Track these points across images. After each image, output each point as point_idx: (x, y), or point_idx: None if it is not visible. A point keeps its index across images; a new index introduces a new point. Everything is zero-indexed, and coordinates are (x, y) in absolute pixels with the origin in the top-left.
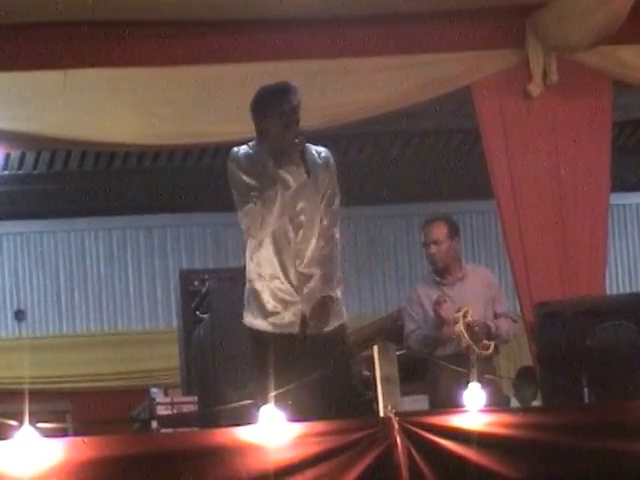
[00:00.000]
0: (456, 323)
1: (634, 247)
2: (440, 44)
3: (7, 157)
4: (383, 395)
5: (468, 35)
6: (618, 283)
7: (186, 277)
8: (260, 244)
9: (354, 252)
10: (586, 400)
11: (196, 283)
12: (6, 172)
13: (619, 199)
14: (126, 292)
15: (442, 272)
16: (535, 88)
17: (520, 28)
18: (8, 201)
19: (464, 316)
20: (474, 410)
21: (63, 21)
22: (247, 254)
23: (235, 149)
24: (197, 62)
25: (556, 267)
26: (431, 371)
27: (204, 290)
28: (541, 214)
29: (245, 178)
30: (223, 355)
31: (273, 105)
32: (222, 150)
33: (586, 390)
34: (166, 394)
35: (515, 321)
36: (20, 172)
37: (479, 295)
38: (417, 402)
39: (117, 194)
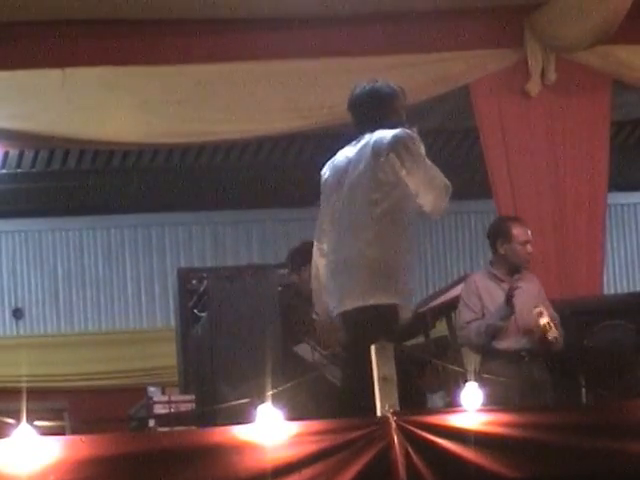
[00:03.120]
0: (539, 317)
1: (632, 247)
2: (439, 43)
3: (5, 155)
4: (380, 394)
5: (467, 34)
6: (616, 283)
7: (184, 276)
8: None
9: None
10: (584, 400)
11: (194, 282)
12: (4, 170)
13: (617, 199)
14: (124, 290)
15: (523, 269)
16: (534, 87)
17: (519, 28)
18: (6, 199)
19: (542, 315)
20: (472, 409)
21: (62, 19)
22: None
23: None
24: (195, 61)
25: (554, 267)
26: (487, 364)
27: (202, 289)
28: (539, 213)
29: None
30: (221, 354)
31: None
32: (220, 149)
33: (584, 390)
34: (164, 393)
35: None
36: (18, 170)
37: (533, 298)
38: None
39: (115, 192)
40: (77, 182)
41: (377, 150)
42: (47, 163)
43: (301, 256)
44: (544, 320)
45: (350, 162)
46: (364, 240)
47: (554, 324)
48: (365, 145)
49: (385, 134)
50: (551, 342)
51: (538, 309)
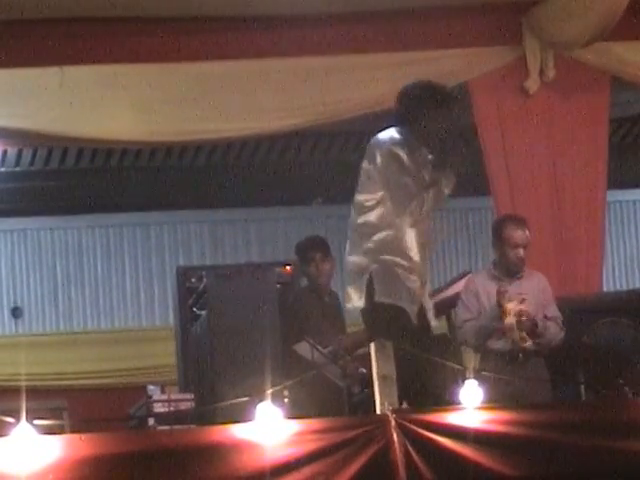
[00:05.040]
0: (510, 302)
1: (631, 244)
2: (437, 41)
3: (4, 154)
4: (380, 393)
5: (465, 32)
6: (615, 280)
7: (183, 274)
8: None
9: None
10: (583, 397)
11: (193, 280)
12: (3, 169)
13: (616, 196)
14: (123, 289)
15: (516, 273)
16: (532, 85)
17: (517, 25)
18: (5, 198)
19: (521, 301)
20: (471, 407)
21: (59, 18)
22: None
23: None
24: (194, 59)
25: (553, 264)
26: (485, 364)
27: (201, 287)
28: (538, 211)
29: None
30: (220, 352)
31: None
32: (219, 147)
33: (583, 387)
34: (163, 391)
35: (562, 329)
36: (17, 169)
37: (533, 297)
38: None
39: (114, 191)
40: (75, 181)
41: None
42: (45, 162)
43: (325, 245)
44: (510, 305)
45: None
46: None
47: (522, 324)
48: None
49: None
50: (508, 328)
51: (520, 297)
